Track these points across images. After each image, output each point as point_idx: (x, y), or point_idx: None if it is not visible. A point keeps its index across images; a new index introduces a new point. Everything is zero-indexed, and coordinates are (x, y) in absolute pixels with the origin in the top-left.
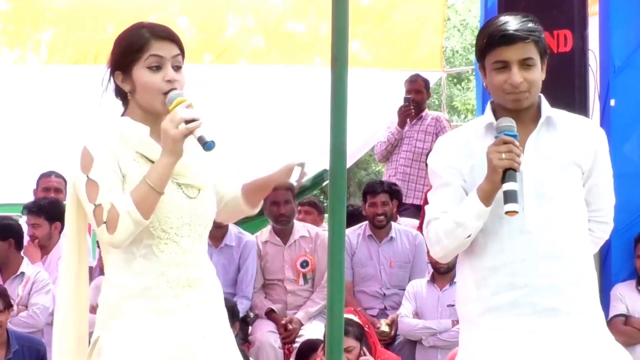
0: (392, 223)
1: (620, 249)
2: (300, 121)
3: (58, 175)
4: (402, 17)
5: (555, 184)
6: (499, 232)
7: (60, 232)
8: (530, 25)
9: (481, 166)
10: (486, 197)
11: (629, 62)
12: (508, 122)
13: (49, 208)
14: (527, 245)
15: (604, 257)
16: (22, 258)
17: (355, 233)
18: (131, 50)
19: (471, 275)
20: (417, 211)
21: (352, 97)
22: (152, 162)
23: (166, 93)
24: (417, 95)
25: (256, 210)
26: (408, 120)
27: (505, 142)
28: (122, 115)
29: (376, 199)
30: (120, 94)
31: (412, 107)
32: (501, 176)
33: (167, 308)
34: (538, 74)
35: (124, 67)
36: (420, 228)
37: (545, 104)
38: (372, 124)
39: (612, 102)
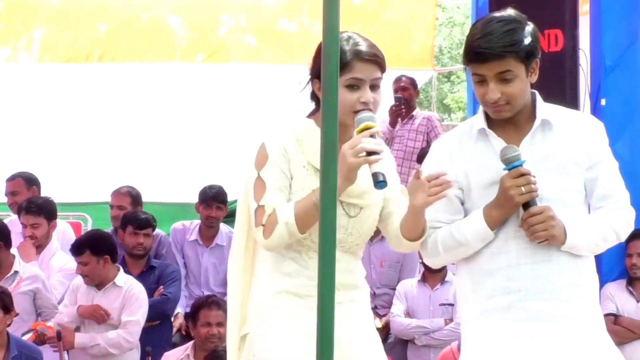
0: None
1: (610, 249)
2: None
3: (19, 176)
4: (393, 16)
5: (553, 186)
6: (495, 236)
7: (55, 229)
8: (508, 38)
9: (475, 174)
10: (495, 223)
11: (619, 61)
12: (513, 151)
13: (46, 207)
14: (522, 249)
15: (595, 256)
16: (14, 257)
17: None
18: None
19: (468, 278)
20: None
21: None
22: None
23: (358, 111)
24: (404, 92)
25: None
26: (399, 119)
27: (522, 174)
28: (310, 115)
29: None
30: (316, 98)
31: (402, 106)
32: (520, 207)
33: (314, 304)
34: (519, 84)
35: None
36: None
37: (540, 103)
38: None
39: (603, 102)
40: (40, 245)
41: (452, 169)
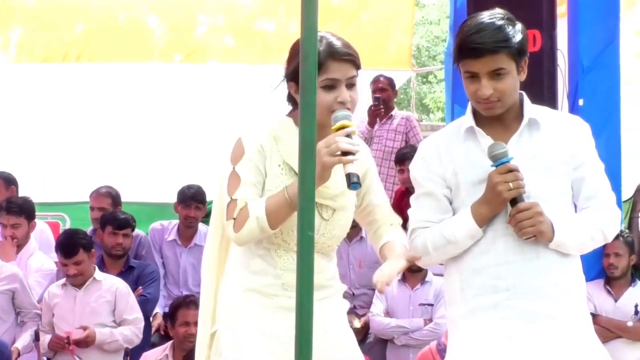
0: None
1: None
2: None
3: None
4: (371, 16)
5: (540, 186)
6: (484, 234)
7: (34, 229)
8: (501, 34)
9: (463, 172)
10: (483, 221)
11: (597, 62)
12: (501, 148)
13: (26, 207)
14: (510, 247)
15: None
16: None
17: None
18: None
19: (456, 277)
20: None
21: None
22: (297, 173)
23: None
24: (382, 93)
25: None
26: (378, 119)
27: (510, 170)
28: (289, 114)
29: None
30: (292, 99)
31: (381, 106)
32: (508, 203)
33: (283, 305)
34: (510, 81)
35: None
36: None
37: (527, 103)
38: None
39: (581, 102)
40: (19, 245)
41: (441, 168)
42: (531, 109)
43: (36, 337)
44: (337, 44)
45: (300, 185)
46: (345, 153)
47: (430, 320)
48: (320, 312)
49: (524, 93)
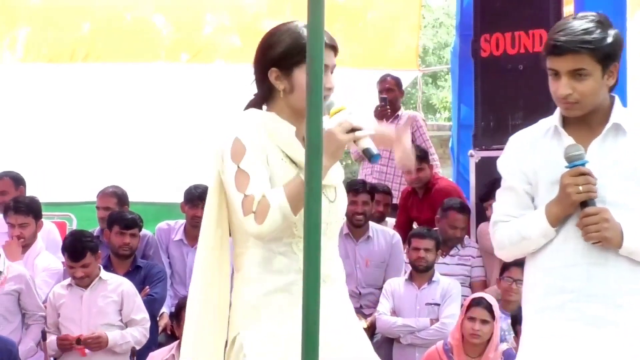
0: (370, 222)
1: None
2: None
3: (6, 176)
4: (377, 16)
5: (618, 191)
6: (557, 234)
7: (41, 229)
8: (587, 35)
9: (543, 170)
10: (555, 220)
11: None
12: (577, 150)
13: (33, 206)
14: (580, 250)
15: None
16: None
17: None
18: (295, 52)
19: (531, 275)
20: (393, 210)
21: None
22: (295, 163)
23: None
24: (389, 93)
25: None
26: (384, 119)
27: (582, 174)
28: (269, 108)
29: (357, 198)
30: (267, 89)
31: (388, 107)
32: (578, 206)
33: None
34: (591, 84)
35: (284, 66)
36: (396, 227)
37: (617, 107)
38: None
39: None
40: (26, 244)
41: (523, 163)
42: (620, 113)
43: (43, 337)
44: None
45: (307, 186)
46: (354, 131)
47: (437, 319)
48: (339, 308)
49: (616, 96)
